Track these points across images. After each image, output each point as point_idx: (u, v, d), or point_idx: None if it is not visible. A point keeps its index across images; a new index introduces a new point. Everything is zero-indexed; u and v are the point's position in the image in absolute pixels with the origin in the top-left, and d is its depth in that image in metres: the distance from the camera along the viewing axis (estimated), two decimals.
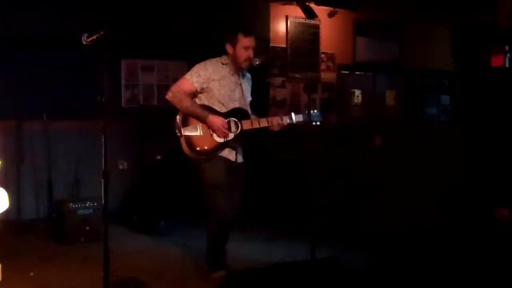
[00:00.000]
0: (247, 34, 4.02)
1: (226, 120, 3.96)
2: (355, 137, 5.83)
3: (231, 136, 3.98)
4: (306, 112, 4.09)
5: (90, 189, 5.98)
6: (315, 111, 4.11)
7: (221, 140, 3.95)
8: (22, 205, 6.04)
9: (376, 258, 4.75)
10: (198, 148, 3.91)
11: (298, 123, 4.18)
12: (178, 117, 3.94)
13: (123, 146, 6.42)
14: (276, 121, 4.07)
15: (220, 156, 3.98)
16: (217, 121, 3.91)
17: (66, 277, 4.22)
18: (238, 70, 4.11)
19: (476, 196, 4.78)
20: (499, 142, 4.78)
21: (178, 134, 3.94)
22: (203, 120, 3.91)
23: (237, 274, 3.86)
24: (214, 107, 3.99)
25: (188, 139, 3.90)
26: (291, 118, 4.13)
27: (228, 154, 4.03)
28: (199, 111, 3.92)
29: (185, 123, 3.92)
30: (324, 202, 5.19)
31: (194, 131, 3.90)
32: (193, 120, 3.93)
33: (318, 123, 4.08)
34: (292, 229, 5.55)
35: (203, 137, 3.92)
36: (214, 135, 3.93)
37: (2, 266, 4.07)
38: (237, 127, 4.01)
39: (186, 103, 3.91)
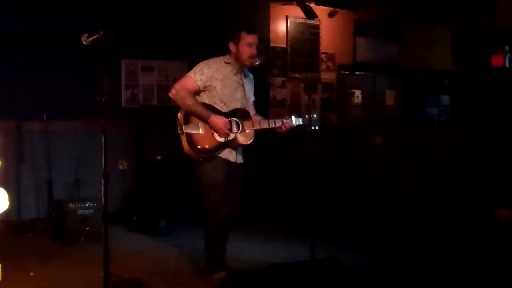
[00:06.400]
0: (249, 31, 4.04)
1: (228, 120, 3.96)
2: (355, 137, 5.83)
3: (232, 136, 3.98)
4: (306, 116, 4.06)
5: (90, 189, 5.99)
6: (314, 116, 4.09)
7: (222, 139, 3.95)
8: (22, 205, 6.05)
9: (376, 258, 4.75)
10: (199, 147, 3.90)
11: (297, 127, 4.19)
12: (180, 114, 3.93)
13: (123, 146, 6.43)
14: (288, 125, 4.09)
15: (220, 157, 3.98)
16: (219, 121, 3.89)
17: (66, 277, 4.22)
18: (241, 69, 4.11)
19: (476, 196, 4.78)
20: (499, 142, 4.78)
21: (179, 132, 3.93)
22: (205, 120, 3.90)
23: (237, 274, 3.86)
24: (215, 106, 3.98)
25: (189, 137, 3.89)
26: (291, 121, 4.13)
27: (228, 154, 4.02)
28: (202, 110, 3.91)
29: (186, 121, 3.91)
30: (324, 202, 5.19)
31: (196, 129, 3.90)
32: (195, 118, 3.92)
33: (317, 127, 4.06)
34: (292, 229, 5.55)
35: (204, 136, 3.91)
36: (215, 134, 3.93)
37: (2, 266, 4.07)
38: (238, 128, 4.00)
39: (188, 102, 3.91)
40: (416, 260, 4.60)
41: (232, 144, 4.01)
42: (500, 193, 4.68)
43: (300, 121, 4.15)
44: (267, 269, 3.70)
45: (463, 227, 4.77)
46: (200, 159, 3.95)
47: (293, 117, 4.15)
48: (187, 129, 3.89)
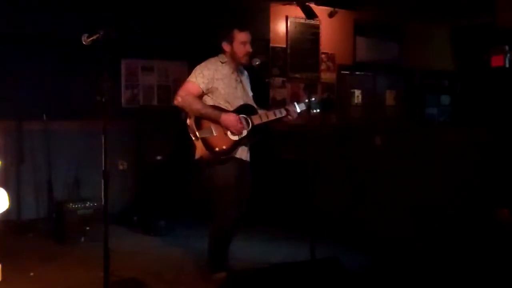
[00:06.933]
0: (242, 29, 4.05)
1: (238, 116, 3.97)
2: (355, 137, 5.83)
3: (244, 133, 3.98)
4: (306, 101, 4.17)
5: (90, 189, 5.98)
6: (313, 98, 4.19)
7: (235, 138, 3.95)
8: (22, 205, 6.04)
9: (376, 258, 4.75)
10: (217, 149, 3.90)
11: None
12: (189, 121, 3.93)
13: (123, 146, 6.42)
14: (293, 111, 4.16)
15: (235, 157, 3.98)
16: (230, 118, 3.89)
17: (66, 277, 4.22)
18: (237, 67, 4.12)
19: (476, 196, 4.78)
20: (500, 142, 4.78)
21: (194, 138, 3.93)
22: (216, 120, 3.89)
23: (237, 274, 3.86)
24: (220, 106, 3.99)
25: (205, 141, 3.89)
26: (295, 107, 4.19)
27: (242, 153, 4.03)
28: (211, 112, 3.91)
29: (198, 126, 3.90)
30: (324, 202, 5.19)
31: (209, 133, 3.90)
32: (205, 122, 3.91)
33: (317, 110, 4.16)
34: (292, 229, 5.55)
35: (219, 137, 3.91)
36: (229, 133, 3.93)
37: (2, 266, 4.07)
38: (248, 124, 4.01)
39: (196, 106, 3.90)
40: (416, 260, 4.60)
41: (244, 141, 4.02)
42: (500, 193, 4.68)
43: (303, 106, 4.21)
44: (267, 269, 3.70)
45: (463, 227, 4.76)
46: (218, 161, 3.94)
47: (295, 103, 4.22)
48: (201, 134, 3.89)
